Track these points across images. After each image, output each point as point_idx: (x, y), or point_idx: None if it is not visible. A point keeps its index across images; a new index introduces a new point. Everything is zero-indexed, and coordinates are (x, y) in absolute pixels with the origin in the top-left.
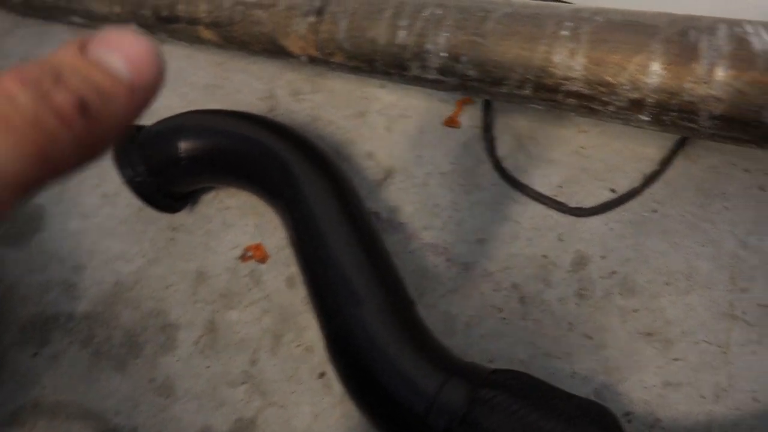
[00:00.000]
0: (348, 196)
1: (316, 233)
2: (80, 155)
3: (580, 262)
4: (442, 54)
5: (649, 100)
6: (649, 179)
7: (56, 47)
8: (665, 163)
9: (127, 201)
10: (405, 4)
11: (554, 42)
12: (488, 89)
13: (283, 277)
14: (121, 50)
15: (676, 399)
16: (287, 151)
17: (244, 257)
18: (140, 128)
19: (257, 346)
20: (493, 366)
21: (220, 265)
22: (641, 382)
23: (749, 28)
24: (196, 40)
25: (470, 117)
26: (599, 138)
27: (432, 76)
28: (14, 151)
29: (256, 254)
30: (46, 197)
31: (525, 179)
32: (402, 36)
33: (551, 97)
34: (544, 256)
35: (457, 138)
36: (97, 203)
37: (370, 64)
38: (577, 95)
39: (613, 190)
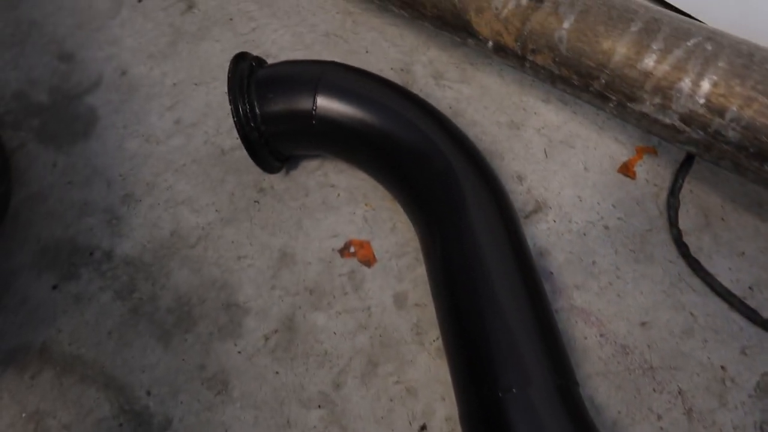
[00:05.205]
0: (518, 231)
1: (477, 271)
2: None
3: None
4: (699, 100)
5: None
6: None
7: None
8: None
9: (206, 138)
10: (660, 22)
11: None
12: (747, 163)
13: (391, 291)
14: None
15: None
16: (455, 155)
17: (344, 252)
18: (261, 62)
19: (345, 367)
20: None
21: (312, 252)
22: None
23: None
24: None
25: (648, 170)
26: None
27: (668, 120)
28: None
29: (360, 253)
30: (102, 100)
31: (708, 266)
32: (650, 61)
33: None
34: (723, 368)
35: (630, 190)
36: (167, 129)
37: (585, 80)
38: None
39: None
